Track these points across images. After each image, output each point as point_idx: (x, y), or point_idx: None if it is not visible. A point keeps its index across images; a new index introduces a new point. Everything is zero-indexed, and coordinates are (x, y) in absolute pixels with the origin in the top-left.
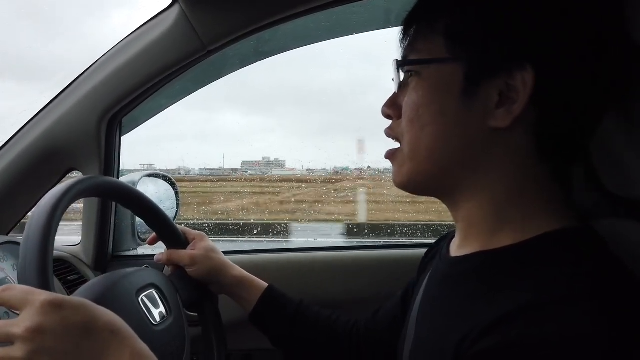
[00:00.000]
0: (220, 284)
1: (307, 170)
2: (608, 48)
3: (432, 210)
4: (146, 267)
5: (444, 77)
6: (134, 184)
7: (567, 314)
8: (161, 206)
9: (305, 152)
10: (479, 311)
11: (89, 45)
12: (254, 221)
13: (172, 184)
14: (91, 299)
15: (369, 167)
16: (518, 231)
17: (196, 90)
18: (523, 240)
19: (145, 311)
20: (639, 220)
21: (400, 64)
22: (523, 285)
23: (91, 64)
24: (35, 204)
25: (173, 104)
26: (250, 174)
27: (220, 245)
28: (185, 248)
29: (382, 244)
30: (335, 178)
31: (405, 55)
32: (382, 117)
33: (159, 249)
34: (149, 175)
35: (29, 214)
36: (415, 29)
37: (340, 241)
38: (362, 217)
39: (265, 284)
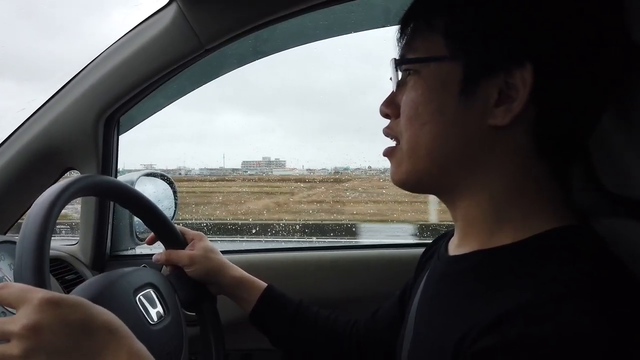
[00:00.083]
0: (219, 285)
1: (307, 170)
2: (608, 47)
3: None
4: (144, 266)
5: (443, 75)
6: (132, 183)
7: (566, 312)
8: (159, 205)
9: (305, 152)
10: (478, 310)
11: (88, 45)
12: (323, 222)
13: (171, 183)
14: (88, 298)
15: (369, 167)
16: (517, 230)
17: (194, 89)
18: (522, 239)
19: (143, 311)
20: (638, 220)
21: (398, 63)
22: (522, 284)
23: (88, 62)
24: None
25: (171, 103)
26: (251, 174)
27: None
28: (183, 248)
29: (379, 243)
30: (344, 178)
31: (403, 54)
32: (382, 118)
33: (157, 249)
34: (147, 175)
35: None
36: (413, 28)
37: (341, 241)
38: (432, 217)
39: (265, 284)
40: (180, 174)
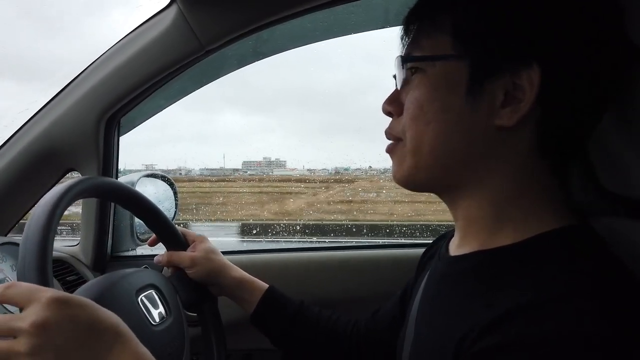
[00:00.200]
0: (220, 286)
1: (307, 170)
2: (610, 47)
3: None
4: (145, 267)
5: (450, 74)
6: (133, 184)
7: (566, 312)
8: (160, 207)
9: (305, 152)
10: (479, 310)
11: (88, 45)
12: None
13: (171, 185)
14: (91, 299)
15: (370, 167)
16: (518, 230)
17: (194, 90)
18: (522, 240)
19: (145, 311)
20: (638, 220)
21: (404, 60)
22: (522, 284)
23: (89, 64)
24: (34, 205)
25: (171, 104)
26: (251, 174)
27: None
28: (185, 249)
29: (380, 243)
30: (354, 178)
31: (408, 52)
32: (382, 118)
33: (158, 250)
34: (148, 176)
35: (28, 214)
36: (419, 26)
37: (342, 241)
38: None
39: (266, 285)
40: (180, 174)
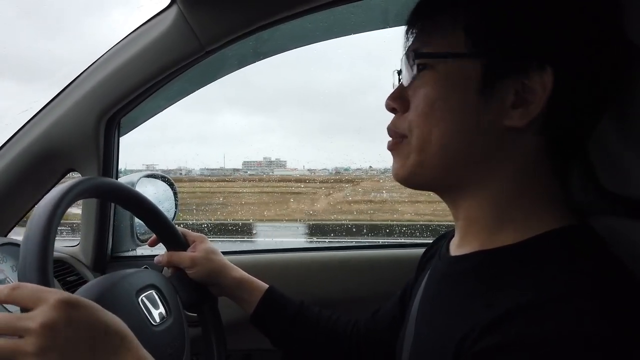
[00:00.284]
0: (220, 286)
1: (308, 170)
2: (610, 47)
3: None
4: (145, 268)
5: (462, 72)
6: (133, 184)
7: (566, 312)
8: (160, 207)
9: (305, 152)
10: (479, 310)
11: (88, 45)
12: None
13: (171, 185)
14: (91, 300)
15: (370, 167)
16: (518, 230)
17: (194, 91)
18: (522, 240)
19: (145, 312)
20: (638, 220)
21: (415, 56)
22: (522, 284)
23: (89, 64)
24: (34, 205)
25: (171, 104)
26: (252, 174)
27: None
28: (185, 250)
29: (380, 243)
30: (362, 177)
31: (416, 48)
32: (382, 118)
33: (158, 250)
34: (148, 176)
35: (29, 214)
36: (430, 21)
37: (342, 241)
38: None
39: (266, 285)
40: (180, 174)
